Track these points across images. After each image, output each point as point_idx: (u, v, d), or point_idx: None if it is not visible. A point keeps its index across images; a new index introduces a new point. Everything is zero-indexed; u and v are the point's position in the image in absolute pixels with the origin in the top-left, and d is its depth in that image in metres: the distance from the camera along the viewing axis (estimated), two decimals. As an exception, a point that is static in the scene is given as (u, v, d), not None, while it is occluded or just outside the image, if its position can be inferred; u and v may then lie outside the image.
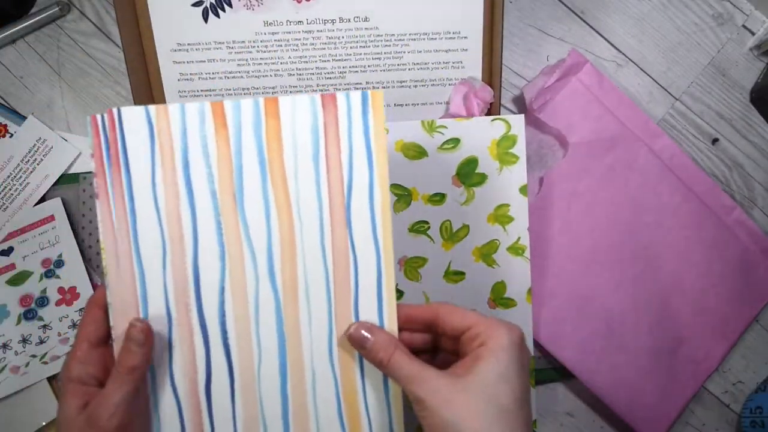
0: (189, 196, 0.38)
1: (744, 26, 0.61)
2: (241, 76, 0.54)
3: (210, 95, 0.55)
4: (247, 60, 0.54)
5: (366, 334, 0.37)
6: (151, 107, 0.37)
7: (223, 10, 0.52)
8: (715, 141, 0.61)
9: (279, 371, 0.39)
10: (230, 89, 0.54)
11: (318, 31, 0.53)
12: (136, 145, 0.37)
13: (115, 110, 0.37)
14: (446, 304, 0.38)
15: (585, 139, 0.57)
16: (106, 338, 0.37)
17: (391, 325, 0.38)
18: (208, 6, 0.52)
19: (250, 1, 0.52)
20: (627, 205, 0.57)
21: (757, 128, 0.61)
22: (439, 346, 0.40)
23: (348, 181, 0.38)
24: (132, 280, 0.37)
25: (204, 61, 0.54)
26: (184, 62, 0.54)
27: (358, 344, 0.37)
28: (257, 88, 0.54)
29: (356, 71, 0.54)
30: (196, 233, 0.38)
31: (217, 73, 0.54)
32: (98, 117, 0.37)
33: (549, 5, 0.61)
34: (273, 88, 0.54)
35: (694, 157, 0.61)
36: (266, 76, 0.54)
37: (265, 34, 0.53)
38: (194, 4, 0.52)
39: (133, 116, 0.37)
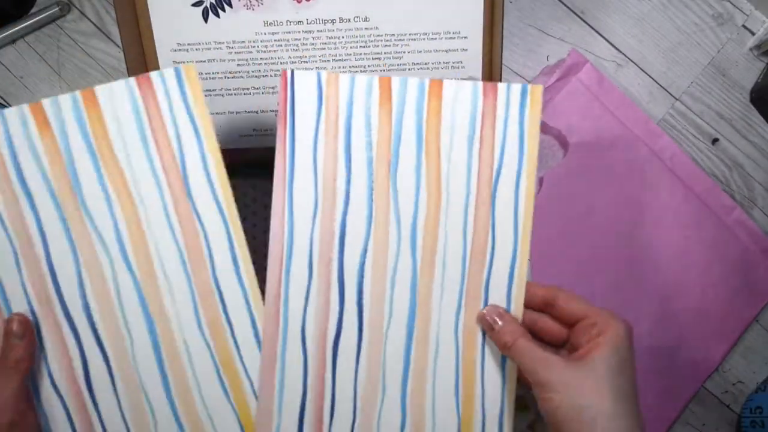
0: (346, 160, 0.40)
1: (744, 26, 0.61)
2: (241, 76, 0.54)
3: (210, 95, 0.55)
4: (247, 60, 0.54)
5: (496, 319, 0.39)
6: (323, 73, 0.40)
7: (223, 10, 0.52)
8: (715, 141, 0.61)
9: (406, 337, 0.40)
10: (230, 89, 0.54)
11: (318, 31, 0.53)
12: (303, 107, 0.39)
13: (288, 72, 0.39)
14: (566, 289, 0.39)
15: (585, 139, 0.57)
16: None
17: (517, 308, 0.40)
18: (208, 6, 0.52)
19: (250, 1, 0.52)
20: (627, 205, 0.57)
21: (757, 128, 0.61)
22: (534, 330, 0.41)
23: (498, 165, 0.40)
24: (281, 234, 0.40)
25: (204, 61, 0.54)
26: (184, 62, 0.54)
27: (487, 326, 0.39)
28: (257, 88, 0.54)
29: (356, 71, 0.54)
30: (348, 194, 0.40)
31: (217, 73, 0.54)
32: (288, 72, 0.39)
33: (549, 5, 0.61)
34: (273, 87, 0.54)
35: (694, 157, 0.61)
36: (266, 76, 0.54)
37: (265, 34, 0.53)
38: (194, 4, 0.52)
39: (305, 79, 0.40)
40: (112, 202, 0.38)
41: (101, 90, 0.38)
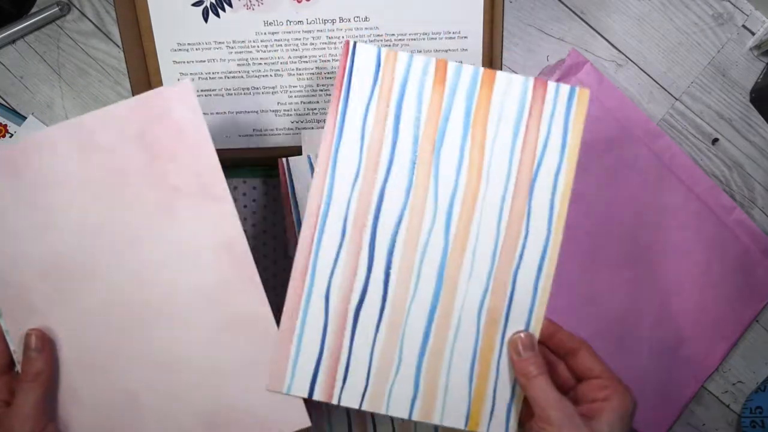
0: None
1: (744, 26, 0.61)
2: (241, 76, 0.54)
3: (210, 95, 0.55)
4: (247, 60, 0.54)
5: (527, 349, 0.40)
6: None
7: (223, 9, 0.52)
8: (715, 141, 0.61)
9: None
10: (230, 89, 0.54)
11: (318, 31, 0.53)
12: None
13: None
14: (589, 345, 0.42)
15: (585, 139, 0.57)
16: (8, 366, 0.40)
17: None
18: (208, 6, 0.52)
19: (250, 1, 0.52)
20: (627, 205, 0.57)
21: (757, 128, 0.61)
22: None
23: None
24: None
25: (204, 61, 0.54)
26: (184, 62, 0.54)
27: (514, 350, 0.40)
28: (257, 88, 0.54)
29: (356, 71, 0.54)
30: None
31: (217, 72, 0.54)
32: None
33: (549, 5, 0.61)
34: (273, 87, 0.54)
35: (694, 157, 0.61)
36: (266, 75, 0.54)
37: (265, 33, 0.53)
38: (194, 4, 0.52)
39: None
40: (461, 169, 0.41)
41: (502, 75, 0.42)
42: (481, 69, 0.42)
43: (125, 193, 0.41)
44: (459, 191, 0.42)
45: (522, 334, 0.40)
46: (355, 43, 0.42)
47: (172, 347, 0.41)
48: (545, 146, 0.42)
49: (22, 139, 0.41)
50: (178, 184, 0.41)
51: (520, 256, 0.42)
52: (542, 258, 0.42)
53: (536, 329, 0.41)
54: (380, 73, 0.42)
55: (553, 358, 0.42)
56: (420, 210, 0.42)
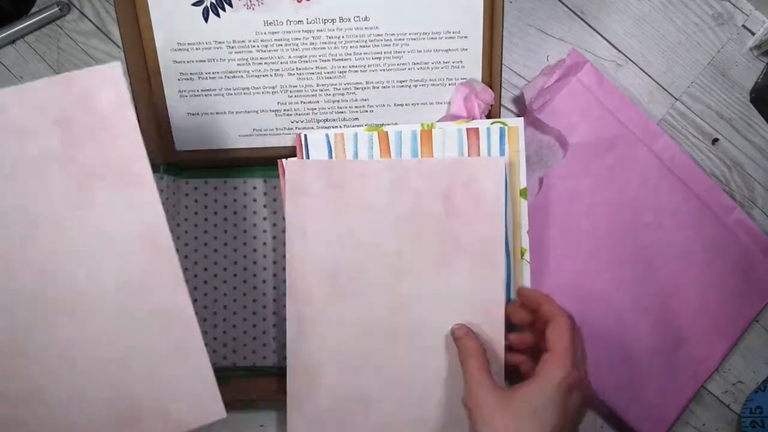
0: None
1: (744, 26, 0.61)
2: (242, 76, 0.54)
3: (210, 95, 0.55)
4: (247, 60, 0.54)
5: (465, 336, 0.46)
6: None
7: (224, 9, 0.52)
8: (715, 141, 0.61)
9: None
10: (230, 89, 0.54)
11: (318, 30, 0.53)
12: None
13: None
14: (550, 297, 0.45)
15: (585, 139, 0.57)
16: None
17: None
18: (209, 5, 0.52)
19: (251, 1, 0.52)
20: (627, 205, 0.57)
21: (757, 128, 0.61)
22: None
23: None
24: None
25: (204, 61, 0.54)
26: (184, 62, 0.54)
27: (455, 336, 0.47)
28: (257, 88, 0.54)
29: (356, 71, 0.54)
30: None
31: (218, 72, 0.54)
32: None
33: (549, 5, 0.61)
34: (273, 87, 0.54)
35: (694, 157, 0.61)
36: (266, 75, 0.54)
37: (265, 33, 0.53)
38: (194, 4, 0.52)
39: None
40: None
41: (437, 129, 0.52)
42: (419, 127, 0.51)
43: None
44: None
45: (458, 326, 0.48)
46: (305, 135, 0.51)
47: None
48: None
49: (347, 161, 0.49)
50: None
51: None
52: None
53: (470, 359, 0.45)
54: (332, 155, 0.51)
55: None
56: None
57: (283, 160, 0.50)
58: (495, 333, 0.48)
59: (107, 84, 0.38)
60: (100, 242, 0.39)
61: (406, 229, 0.49)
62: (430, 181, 0.49)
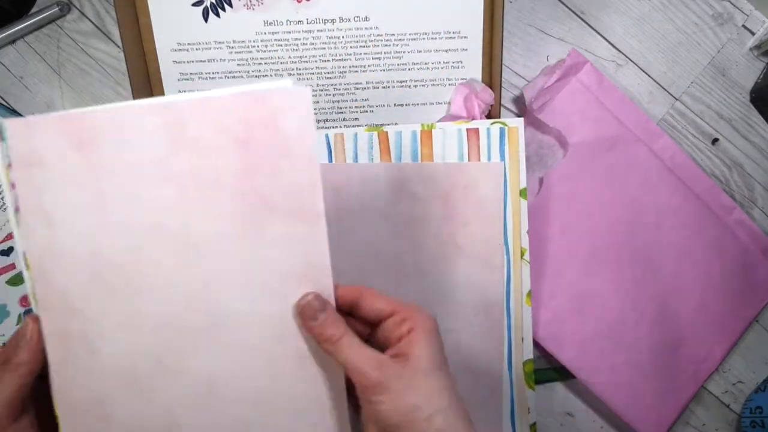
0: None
1: (744, 26, 0.61)
2: (241, 76, 0.54)
3: (210, 95, 0.55)
4: (247, 60, 0.54)
5: (321, 311, 0.35)
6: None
7: (224, 9, 0.52)
8: (715, 141, 0.61)
9: None
10: (230, 89, 0.54)
11: (318, 30, 0.53)
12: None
13: None
14: (369, 288, 0.37)
15: (585, 139, 0.57)
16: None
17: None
18: (209, 6, 0.52)
19: (251, 1, 0.52)
20: (627, 205, 0.57)
21: (757, 128, 0.61)
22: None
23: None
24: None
25: (204, 61, 0.54)
26: (184, 62, 0.54)
27: (309, 315, 0.35)
28: (257, 88, 0.54)
29: (356, 71, 0.54)
30: None
31: (218, 72, 0.54)
32: None
33: (549, 5, 0.61)
34: (273, 88, 0.54)
35: (694, 157, 0.61)
36: (266, 75, 0.54)
37: (265, 33, 0.53)
38: (194, 4, 0.52)
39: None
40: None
41: (437, 129, 0.53)
42: (419, 127, 0.51)
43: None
44: None
45: (310, 296, 0.35)
46: None
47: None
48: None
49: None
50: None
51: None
52: None
53: (342, 336, 0.36)
54: (332, 155, 0.50)
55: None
56: None
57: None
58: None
59: (296, 107, 0.34)
60: (260, 276, 0.36)
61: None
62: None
